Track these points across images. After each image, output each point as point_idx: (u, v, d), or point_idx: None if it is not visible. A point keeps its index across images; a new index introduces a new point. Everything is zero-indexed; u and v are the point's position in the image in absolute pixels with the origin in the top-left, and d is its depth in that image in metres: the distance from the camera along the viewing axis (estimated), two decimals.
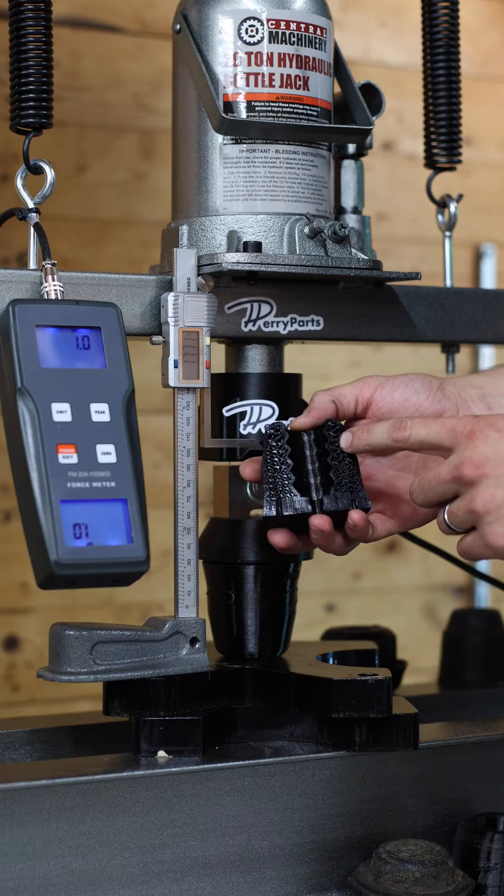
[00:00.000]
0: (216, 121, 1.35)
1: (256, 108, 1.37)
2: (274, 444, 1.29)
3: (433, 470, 1.21)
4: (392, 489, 1.32)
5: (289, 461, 1.29)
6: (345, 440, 1.27)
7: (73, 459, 1.18)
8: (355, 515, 1.27)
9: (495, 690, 1.74)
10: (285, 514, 1.28)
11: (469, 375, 1.35)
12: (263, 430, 1.31)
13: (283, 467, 1.28)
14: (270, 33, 1.36)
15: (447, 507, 1.21)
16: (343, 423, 1.31)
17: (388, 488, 1.32)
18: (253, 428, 1.40)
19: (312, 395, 1.32)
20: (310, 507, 1.28)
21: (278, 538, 1.31)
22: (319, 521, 1.27)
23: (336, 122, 1.43)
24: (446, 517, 1.21)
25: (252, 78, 1.36)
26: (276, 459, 1.29)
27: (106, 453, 1.20)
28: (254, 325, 1.39)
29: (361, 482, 1.28)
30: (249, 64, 1.36)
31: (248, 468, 1.33)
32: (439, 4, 1.53)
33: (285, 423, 1.31)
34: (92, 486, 1.18)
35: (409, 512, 1.32)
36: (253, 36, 1.36)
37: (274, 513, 1.28)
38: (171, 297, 1.31)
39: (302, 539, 1.31)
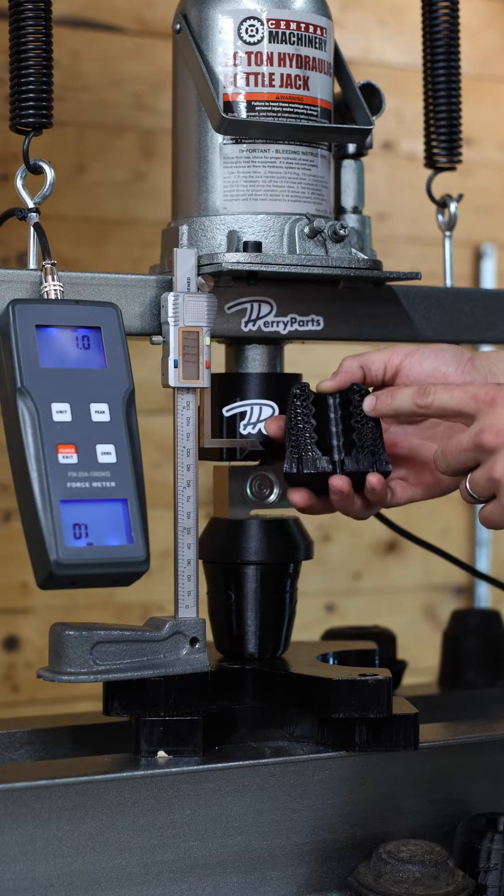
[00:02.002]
0: (216, 121, 1.35)
1: (256, 108, 1.36)
2: (299, 403, 1.30)
3: (456, 438, 1.21)
4: (416, 456, 1.32)
5: (312, 421, 1.29)
6: (368, 403, 1.28)
7: (73, 459, 1.18)
8: (373, 479, 1.27)
9: (495, 690, 1.74)
10: (305, 472, 1.28)
11: (500, 351, 1.35)
12: (291, 391, 1.31)
13: (307, 426, 1.29)
14: (270, 33, 1.36)
15: (469, 476, 1.21)
16: (370, 389, 1.31)
17: (412, 455, 1.32)
18: (253, 428, 1.40)
19: (342, 360, 1.32)
20: (330, 466, 1.28)
21: (298, 497, 1.30)
22: (339, 482, 1.27)
23: (336, 122, 1.43)
24: (468, 485, 1.21)
25: (252, 78, 1.36)
26: (300, 419, 1.29)
27: (106, 453, 1.20)
28: (254, 325, 1.39)
29: (384, 446, 1.29)
30: (249, 64, 1.36)
31: (274, 425, 1.33)
32: (439, 4, 1.53)
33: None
34: (92, 486, 1.18)
35: (432, 480, 1.32)
36: (253, 36, 1.36)
37: (295, 470, 1.28)
38: (171, 297, 1.31)
39: (322, 500, 1.31)
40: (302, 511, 1.33)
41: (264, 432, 1.39)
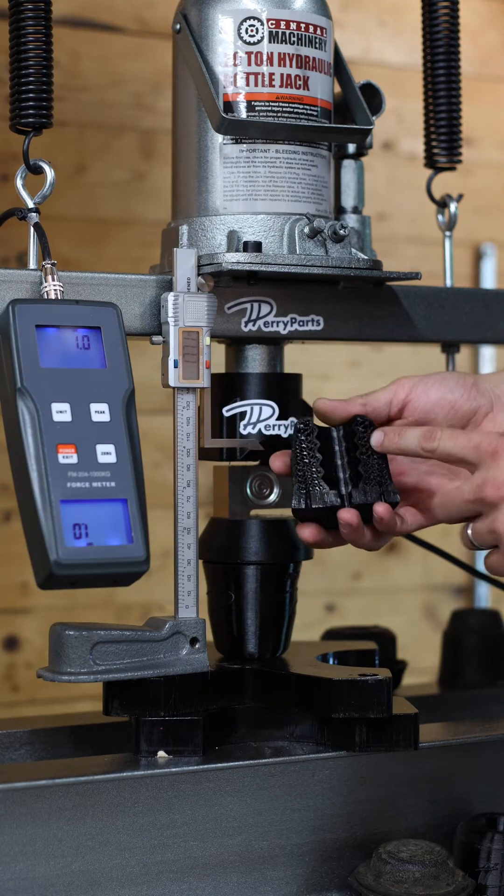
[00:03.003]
0: (216, 121, 1.35)
1: (256, 108, 1.37)
2: (304, 438, 1.29)
3: (456, 484, 1.22)
4: (424, 485, 1.32)
5: (318, 455, 1.29)
6: (376, 439, 1.28)
7: (73, 459, 1.18)
8: (380, 508, 1.27)
9: (495, 690, 1.74)
10: (314, 506, 1.28)
11: (502, 372, 1.35)
12: (294, 425, 1.31)
13: (313, 461, 1.29)
14: (270, 33, 1.36)
15: (471, 525, 1.22)
16: (375, 426, 1.32)
17: (419, 484, 1.32)
18: (253, 428, 1.40)
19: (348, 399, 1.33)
20: (338, 500, 1.28)
21: (307, 532, 1.30)
22: (348, 515, 1.27)
23: (336, 122, 1.43)
24: (470, 534, 1.23)
25: (252, 78, 1.36)
26: (306, 453, 1.29)
27: (106, 453, 1.20)
28: (254, 325, 1.39)
29: (390, 476, 1.29)
30: (249, 64, 1.36)
31: (279, 461, 1.33)
32: (439, 4, 1.53)
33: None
34: (92, 486, 1.18)
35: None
36: (253, 36, 1.36)
37: (303, 505, 1.28)
38: (171, 297, 1.31)
39: (331, 534, 1.31)
40: (312, 546, 1.33)
41: (264, 433, 1.39)
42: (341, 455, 1.30)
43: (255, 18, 1.36)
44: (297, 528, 1.31)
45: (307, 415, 1.38)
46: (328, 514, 1.29)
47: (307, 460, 1.29)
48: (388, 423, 1.32)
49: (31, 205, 1.33)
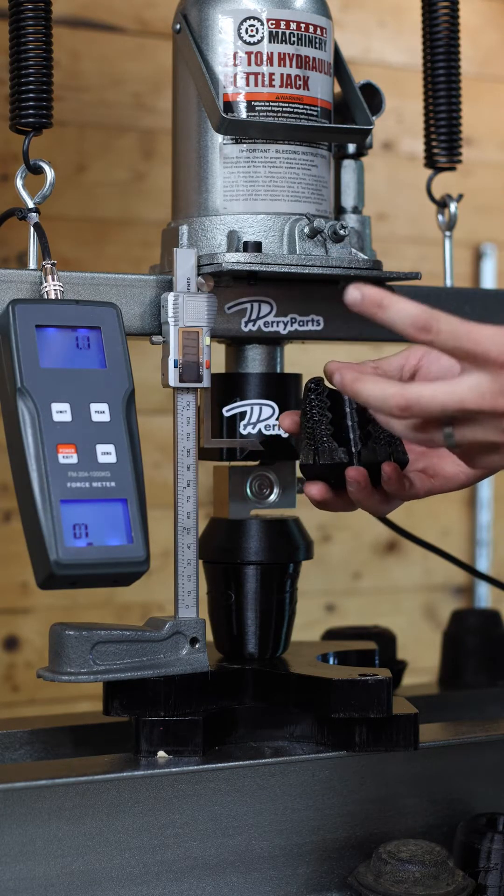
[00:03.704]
0: (216, 121, 1.35)
1: (256, 108, 1.37)
2: (314, 397, 1.28)
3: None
4: (435, 451, 1.30)
5: (328, 414, 1.27)
6: (351, 296, 1.17)
7: (73, 459, 1.18)
8: (388, 468, 1.25)
9: (495, 690, 1.74)
10: (322, 462, 1.26)
11: None
12: (305, 385, 1.29)
13: (323, 419, 1.27)
14: (270, 33, 1.36)
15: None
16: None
17: (430, 450, 1.31)
18: (253, 428, 1.40)
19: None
20: (347, 457, 1.26)
21: (315, 490, 1.28)
22: (355, 473, 1.25)
23: (336, 122, 1.43)
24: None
25: (252, 78, 1.36)
26: (316, 411, 1.27)
27: (106, 453, 1.20)
28: (254, 325, 1.39)
29: (401, 437, 1.28)
30: (249, 64, 1.36)
31: (288, 419, 1.31)
32: (439, 4, 1.54)
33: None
34: (92, 486, 1.18)
35: (452, 472, 1.30)
36: (253, 36, 1.36)
37: (311, 461, 1.26)
38: (171, 297, 1.31)
39: (339, 494, 1.28)
40: (319, 506, 1.30)
41: (264, 433, 1.39)
42: (351, 416, 1.28)
43: (255, 18, 1.36)
44: (304, 487, 1.29)
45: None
46: (336, 472, 1.26)
47: (317, 418, 1.27)
48: None
49: (31, 205, 1.33)
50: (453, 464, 1.29)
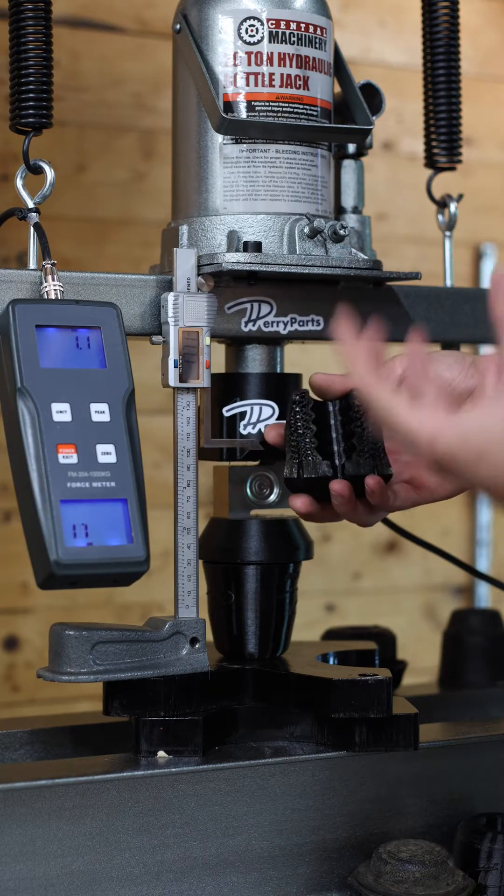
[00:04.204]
0: (216, 121, 1.35)
1: (256, 108, 1.37)
2: (299, 409, 1.28)
3: None
4: (419, 462, 1.31)
5: (312, 427, 1.28)
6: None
7: (73, 459, 1.18)
8: (371, 481, 1.25)
9: (495, 690, 1.74)
10: (306, 476, 1.26)
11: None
12: (290, 398, 1.29)
13: (307, 432, 1.27)
14: (270, 33, 1.36)
15: None
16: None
17: (415, 461, 1.31)
18: (253, 428, 1.40)
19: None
20: (331, 471, 1.27)
21: (299, 503, 1.29)
22: (339, 486, 1.26)
23: (336, 122, 1.43)
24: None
25: (252, 78, 1.36)
26: (300, 424, 1.28)
27: (106, 453, 1.20)
28: (254, 325, 1.39)
29: (384, 450, 1.27)
30: (249, 64, 1.36)
31: (273, 432, 1.32)
32: (439, 4, 1.54)
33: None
34: (92, 486, 1.18)
35: (436, 483, 1.30)
36: (253, 36, 1.36)
37: (295, 475, 1.27)
38: (171, 297, 1.31)
39: (324, 507, 1.29)
40: (304, 518, 1.32)
41: (264, 432, 1.39)
42: (336, 428, 1.29)
43: (255, 18, 1.36)
44: (289, 500, 1.30)
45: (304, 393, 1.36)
46: (320, 486, 1.27)
47: (301, 431, 1.28)
48: None
49: (31, 205, 1.33)
50: (435, 477, 1.29)
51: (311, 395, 1.30)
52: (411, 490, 1.31)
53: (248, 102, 1.37)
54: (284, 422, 1.30)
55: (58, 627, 1.27)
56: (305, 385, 1.45)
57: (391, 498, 1.29)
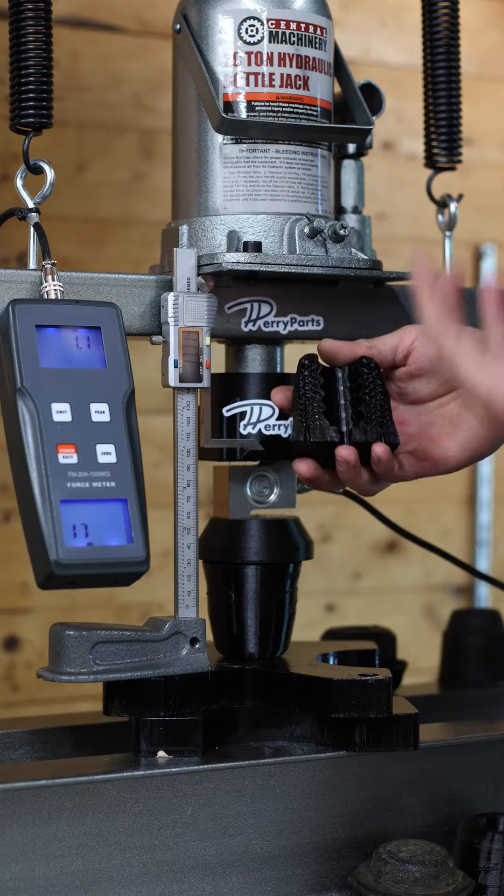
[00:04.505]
0: (216, 121, 1.35)
1: (256, 108, 1.37)
2: (307, 374, 1.27)
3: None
4: (425, 435, 1.30)
5: (321, 391, 1.27)
6: None
7: (73, 459, 1.18)
8: (378, 448, 1.25)
9: (495, 690, 1.74)
10: (312, 440, 1.25)
11: None
12: (299, 361, 1.29)
13: (315, 396, 1.26)
14: (270, 33, 1.36)
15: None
16: (381, 368, 1.30)
17: (420, 433, 1.31)
18: (253, 428, 1.40)
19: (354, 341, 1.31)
20: (338, 436, 1.26)
21: (303, 467, 1.28)
22: (346, 452, 1.25)
23: (336, 122, 1.43)
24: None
25: (252, 78, 1.36)
26: (309, 388, 1.27)
27: (106, 453, 1.20)
28: (254, 325, 1.39)
29: (392, 419, 1.27)
30: (249, 64, 1.36)
31: (280, 394, 1.31)
32: (439, 4, 1.54)
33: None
34: (92, 486, 1.18)
35: (440, 456, 1.30)
36: (253, 36, 1.36)
37: (302, 438, 1.26)
38: (171, 297, 1.31)
39: (328, 473, 1.28)
40: (307, 483, 1.30)
41: (264, 433, 1.39)
42: (344, 395, 1.28)
43: (255, 18, 1.36)
44: (293, 463, 1.29)
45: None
46: (326, 451, 1.26)
47: (309, 395, 1.26)
48: (393, 369, 1.31)
49: (31, 205, 1.33)
50: (443, 447, 1.29)
51: (320, 360, 1.30)
52: (416, 461, 1.30)
53: (248, 102, 1.37)
54: (291, 386, 1.29)
55: (58, 627, 1.27)
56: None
57: (396, 467, 1.29)
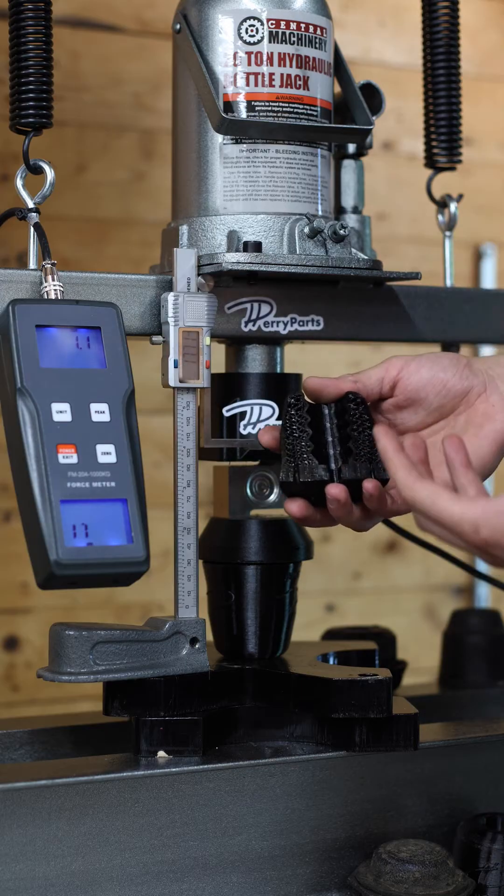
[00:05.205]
0: (216, 121, 1.35)
1: (256, 108, 1.37)
2: (294, 412, 1.27)
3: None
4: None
5: (308, 430, 1.26)
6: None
7: (73, 459, 1.18)
8: (369, 485, 1.24)
9: (495, 690, 1.74)
10: (302, 480, 1.25)
11: (497, 355, 1.34)
12: (285, 401, 1.28)
13: (303, 435, 1.26)
14: (270, 33, 1.36)
15: None
16: (367, 403, 1.30)
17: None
18: (253, 428, 1.40)
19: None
20: (327, 475, 1.25)
21: (295, 507, 1.27)
22: (336, 490, 1.25)
23: (336, 122, 1.43)
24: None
25: (252, 78, 1.36)
26: (296, 427, 1.26)
27: (106, 453, 1.20)
28: (254, 325, 1.39)
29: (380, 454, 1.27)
30: (249, 64, 1.36)
31: (267, 435, 1.30)
32: (439, 4, 1.54)
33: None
34: (92, 486, 1.18)
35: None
36: (253, 36, 1.36)
37: (291, 479, 1.25)
38: (171, 297, 1.31)
39: (320, 511, 1.28)
40: (299, 522, 1.30)
41: (258, 435, 1.39)
42: (332, 432, 1.27)
43: (255, 18, 1.36)
44: (284, 504, 1.28)
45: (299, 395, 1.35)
46: (317, 489, 1.26)
47: (297, 434, 1.26)
48: (380, 401, 1.30)
49: (31, 205, 1.33)
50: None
51: (306, 398, 1.30)
52: None
53: (248, 102, 1.37)
54: (279, 424, 1.29)
55: (58, 627, 1.27)
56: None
57: (388, 502, 1.28)
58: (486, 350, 2.38)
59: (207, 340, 1.32)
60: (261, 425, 1.40)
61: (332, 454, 1.26)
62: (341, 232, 1.37)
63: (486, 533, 1.09)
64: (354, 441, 1.26)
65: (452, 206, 1.56)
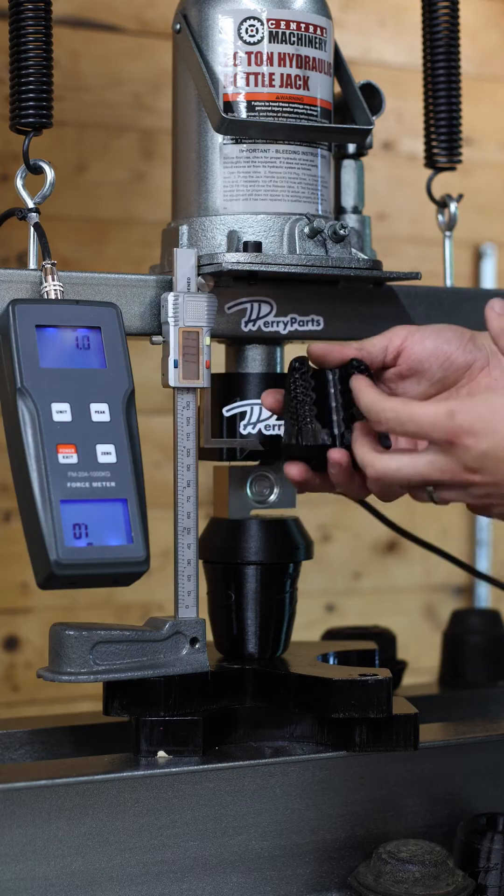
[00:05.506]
0: (216, 121, 1.35)
1: (256, 108, 1.37)
2: (298, 376, 1.26)
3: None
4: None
5: (312, 394, 1.25)
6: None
7: (73, 459, 1.18)
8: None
9: (495, 690, 1.74)
10: (304, 443, 1.24)
11: None
12: (290, 364, 1.27)
13: (306, 399, 1.25)
14: (270, 33, 1.36)
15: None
16: (371, 370, 1.29)
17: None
18: (253, 428, 1.40)
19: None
20: (330, 439, 1.25)
21: (294, 470, 1.27)
22: (338, 455, 1.24)
23: (336, 122, 1.43)
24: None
25: (252, 78, 1.36)
26: (300, 391, 1.25)
27: (106, 453, 1.20)
28: (254, 325, 1.39)
29: None
30: (249, 64, 1.36)
31: (270, 397, 1.30)
32: (439, 4, 1.54)
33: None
34: (92, 486, 1.18)
35: None
36: (253, 36, 1.36)
37: (294, 441, 1.25)
38: (171, 297, 1.31)
39: (319, 476, 1.28)
40: (298, 486, 1.29)
41: (264, 433, 1.39)
42: (335, 397, 1.26)
43: (255, 18, 1.36)
44: (284, 467, 1.27)
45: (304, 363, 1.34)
46: (318, 454, 1.25)
47: (300, 398, 1.25)
48: (383, 369, 1.30)
49: (31, 205, 1.33)
50: None
51: (311, 363, 1.29)
52: None
53: (248, 102, 1.37)
54: (283, 389, 1.28)
55: (58, 627, 1.27)
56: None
57: None
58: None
59: (207, 340, 1.32)
60: (261, 425, 1.40)
61: (335, 419, 1.25)
62: (341, 232, 1.37)
63: (462, 418, 1.13)
64: (357, 408, 1.26)
65: (452, 206, 1.56)
